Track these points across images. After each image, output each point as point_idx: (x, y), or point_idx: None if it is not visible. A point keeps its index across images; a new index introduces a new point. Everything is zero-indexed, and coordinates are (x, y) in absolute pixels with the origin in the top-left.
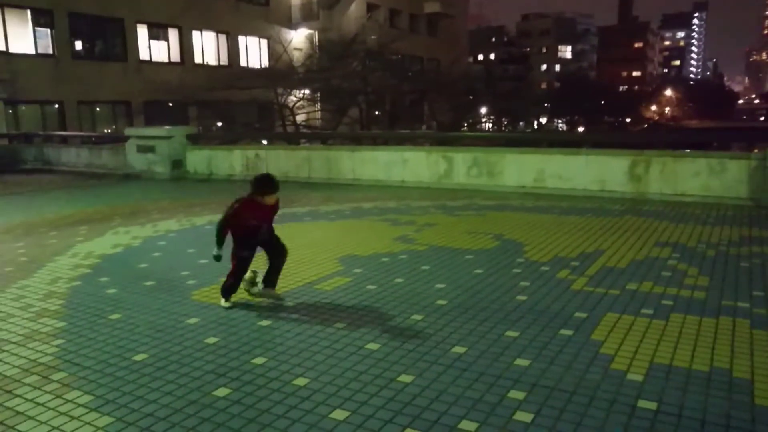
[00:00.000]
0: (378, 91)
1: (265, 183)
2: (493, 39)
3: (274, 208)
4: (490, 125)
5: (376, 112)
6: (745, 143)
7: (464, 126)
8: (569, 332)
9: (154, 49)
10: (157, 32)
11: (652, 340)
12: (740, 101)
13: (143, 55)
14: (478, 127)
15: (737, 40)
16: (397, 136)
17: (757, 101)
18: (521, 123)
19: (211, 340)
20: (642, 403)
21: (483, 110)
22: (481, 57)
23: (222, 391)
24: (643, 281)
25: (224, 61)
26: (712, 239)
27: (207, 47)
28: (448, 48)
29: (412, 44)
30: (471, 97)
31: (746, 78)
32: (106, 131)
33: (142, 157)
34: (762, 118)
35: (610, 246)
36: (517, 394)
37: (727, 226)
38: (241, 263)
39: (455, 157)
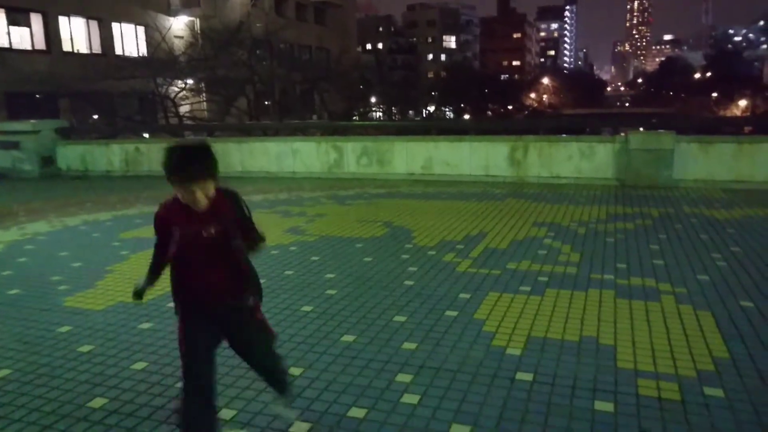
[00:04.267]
0: (266, 81)
1: (168, 158)
2: (381, 29)
3: (219, 218)
4: (381, 114)
5: (266, 103)
6: (611, 128)
7: (355, 115)
8: (454, 313)
9: (15, 36)
10: (17, 17)
11: (529, 315)
12: (608, 89)
13: (1, 42)
14: (368, 116)
15: (604, 33)
16: (288, 127)
17: (623, 89)
18: (411, 112)
19: (86, 348)
20: (520, 375)
21: (373, 99)
22: (369, 46)
23: (97, 402)
24: (522, 260)
25: (97, 50)
26: (583, 218)
27: (77, 34)
28: (337, 37)
29: (300, 33)
30: (361, 87)
31: (612, 67)
32: None
33: (5, 155)
34: (627, 104)
35: (492, 228)
36: (404, 378)
37: (596, 205)
38: (185, 348)
39: (345, 146)
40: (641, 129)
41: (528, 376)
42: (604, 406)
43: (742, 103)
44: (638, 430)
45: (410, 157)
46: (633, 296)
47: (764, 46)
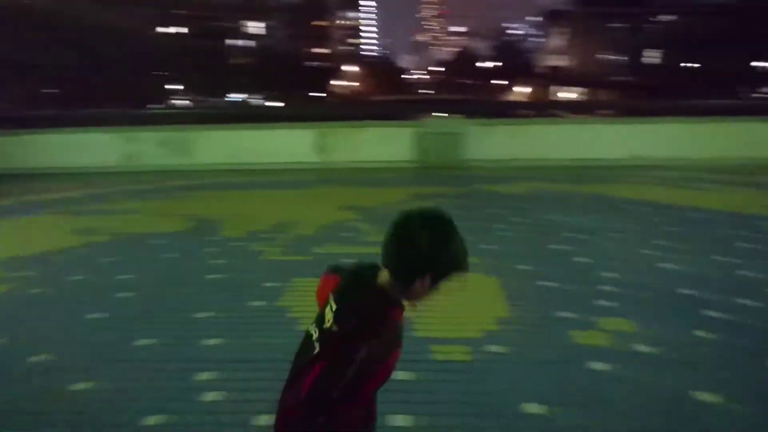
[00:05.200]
0: (45, 65)
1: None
2: (183, 12)
3: None
4: (187, 101)
5: (49, 90)
6: (411, 114)
7: (155, 104)
8: (260, 303)
9: None
10: None
11: None
12: (410, 76)
13: None
14: (170, 104)
15: (404, 22)
16: (77, 117)
17: (423, 76)
18: (217, 98)
19: None
20: None
21: (176, 87)
22: (174, 30)
23: None
24: (328, 244)
25: None
26: (387, 199)
27: None
28: (132, 17)
29: (86, 10)
30: (164, 73)
31: (412, 56)
32: None
33: None
34: (427, 91)
35: (300, 214)
36: (205, 375)
37: (398, 187)
38: None
39: (141, 136)
40: (436, 114)
41: None
42: (406, 375)
43: (521, 89)
44: (431, 395)
45: (215, 146)
46: None
47: (537, 39)
